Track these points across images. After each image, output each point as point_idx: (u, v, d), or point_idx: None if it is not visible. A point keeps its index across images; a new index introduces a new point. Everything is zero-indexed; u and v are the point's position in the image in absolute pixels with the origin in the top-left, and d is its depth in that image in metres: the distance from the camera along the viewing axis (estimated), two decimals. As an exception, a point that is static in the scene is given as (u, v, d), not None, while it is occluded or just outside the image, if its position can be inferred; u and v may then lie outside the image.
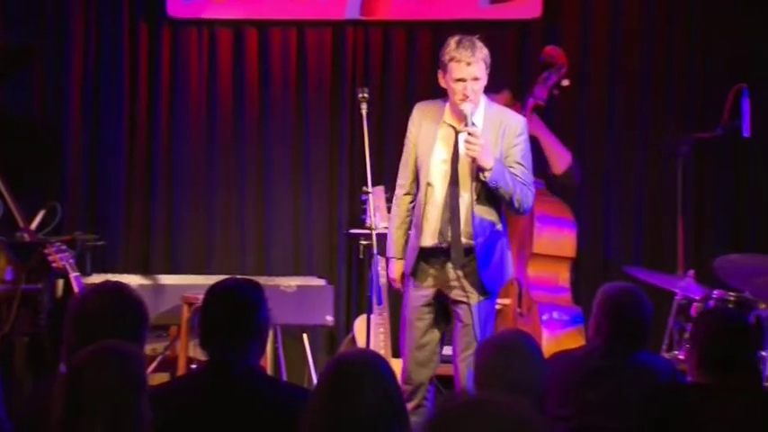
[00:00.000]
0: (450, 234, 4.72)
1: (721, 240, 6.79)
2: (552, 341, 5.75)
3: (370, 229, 5.03)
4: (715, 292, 5.21)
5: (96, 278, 5.87)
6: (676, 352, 5.19)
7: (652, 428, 3.57)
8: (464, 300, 4.73)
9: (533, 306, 5.90)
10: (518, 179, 4.71)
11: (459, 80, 4.64)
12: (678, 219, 5.90)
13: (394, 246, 4.94)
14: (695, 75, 6.92)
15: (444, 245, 4.74)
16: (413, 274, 4.83)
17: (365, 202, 5.21)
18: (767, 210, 6.87)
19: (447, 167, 4.73)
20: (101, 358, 2.66)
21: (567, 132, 6.87)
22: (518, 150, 4.75)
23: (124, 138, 7.01)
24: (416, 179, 4.84)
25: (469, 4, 7.01)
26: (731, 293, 5.18)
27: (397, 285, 4.96)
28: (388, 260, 4.99)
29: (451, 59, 4.66)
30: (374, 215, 5.07)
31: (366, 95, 4.97)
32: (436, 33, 6.94)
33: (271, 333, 5.79)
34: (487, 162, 4.59)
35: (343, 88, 7.01)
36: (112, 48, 7.02)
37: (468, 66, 4.63)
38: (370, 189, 5.03)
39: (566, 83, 6.25)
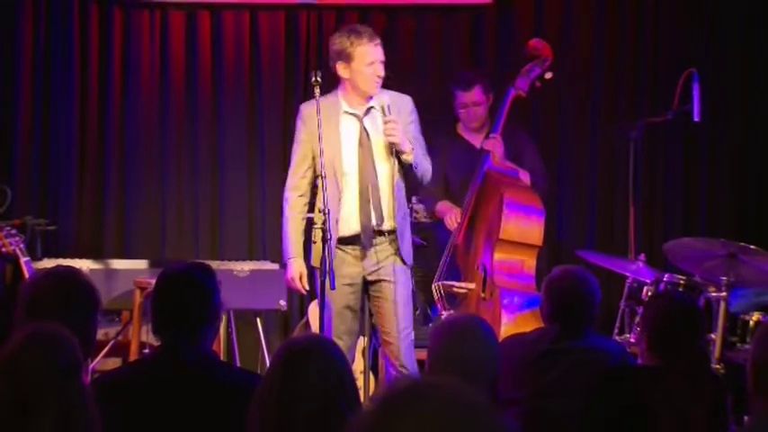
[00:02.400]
0: (372, 218, 4.83)
1: (672, 224, 6.85)
2: (511, 325, 5.75)
3: (323, 213, 5.01)
4: (665, 275, 5.25)
5: (47, 263, 5.82)
6: (627, 335, 5.22)
7: (602, 411, 3.60)
8: (388, 278, 4.86)
9: (496, 291, 5.91)
10: (420, 153, 4.91)
11: (372, 63, 4.82)
12: (630, 202, 5.95)
13: (293, 246, 4.97)
14: (646, 59, 6.96)
15: (364, 228, 4.85)
16: (332, 265, 4.72)
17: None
18: (717, 193, 6.93)
19: (360, 154, 4.84)
20: (30, 347, 2.57)
21: (519, 117, 6.89)
22: (414, 127, 4.97)
23: (75, 121, 6.92)
24: (313, 179, 4.91)
25: (422, -13, 7.01)
26: (681, 277, 5.23)
27: (296, 285, 4.95)
28: (287, 262, 4.99)
29: (359, 45, 4.81)
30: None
31: (319, 79, 4.94)
32: (389, 17, 6.93)
33: (224, 317, 5.77)
34: (406, 145, 4.78)
35: (297, 72, 6.97)
36: (62, 30, 6.91)
37: (376, 46, 4.84)
38: (323, 173, 5.02)
39: (549, 75, 6.22)
